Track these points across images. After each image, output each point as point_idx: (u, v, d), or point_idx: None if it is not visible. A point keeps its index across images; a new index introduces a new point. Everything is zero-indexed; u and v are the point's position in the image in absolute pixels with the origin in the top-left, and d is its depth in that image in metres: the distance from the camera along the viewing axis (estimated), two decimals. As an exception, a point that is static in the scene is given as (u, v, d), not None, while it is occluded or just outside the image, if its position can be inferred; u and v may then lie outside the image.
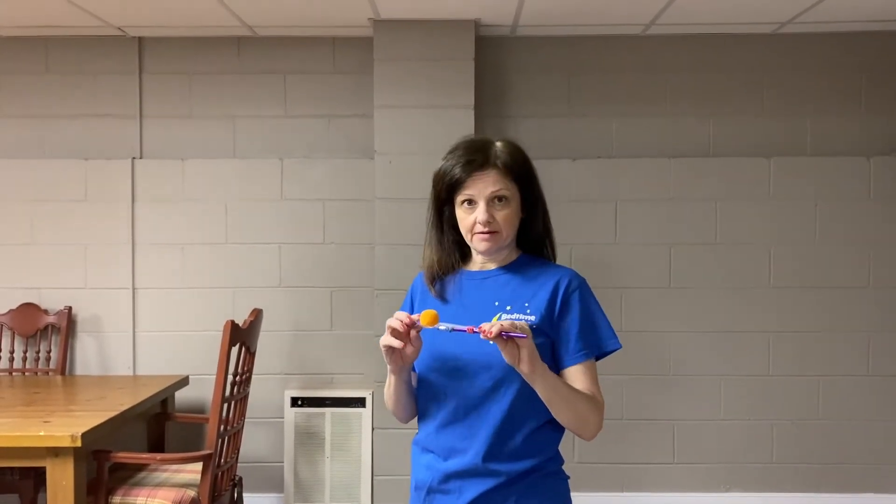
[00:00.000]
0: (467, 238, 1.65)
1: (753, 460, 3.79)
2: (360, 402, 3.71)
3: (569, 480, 1.69)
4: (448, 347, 1.60)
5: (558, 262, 1.73)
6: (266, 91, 3.91)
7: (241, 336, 3.06)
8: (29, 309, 3.82)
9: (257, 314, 3.26)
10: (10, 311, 3.82)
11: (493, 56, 3.86)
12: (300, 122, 3.92)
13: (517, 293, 1.63)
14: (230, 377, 3.02)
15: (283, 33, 3.85)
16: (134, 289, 3.87)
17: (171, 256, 3.87)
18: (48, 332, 3.84)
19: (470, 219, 1.61)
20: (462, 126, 3.52)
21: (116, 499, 2.85)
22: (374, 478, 3.68)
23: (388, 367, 1.60)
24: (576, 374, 1.59)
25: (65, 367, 3.80)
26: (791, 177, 3.78)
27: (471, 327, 1.44)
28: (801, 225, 3.78)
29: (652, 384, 3.79)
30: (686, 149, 3.85)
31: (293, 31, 3.82)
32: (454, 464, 1.60)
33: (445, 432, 1.62)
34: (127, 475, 3.05)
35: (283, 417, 3.75)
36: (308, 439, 3.72)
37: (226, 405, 3.00)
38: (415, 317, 1.51)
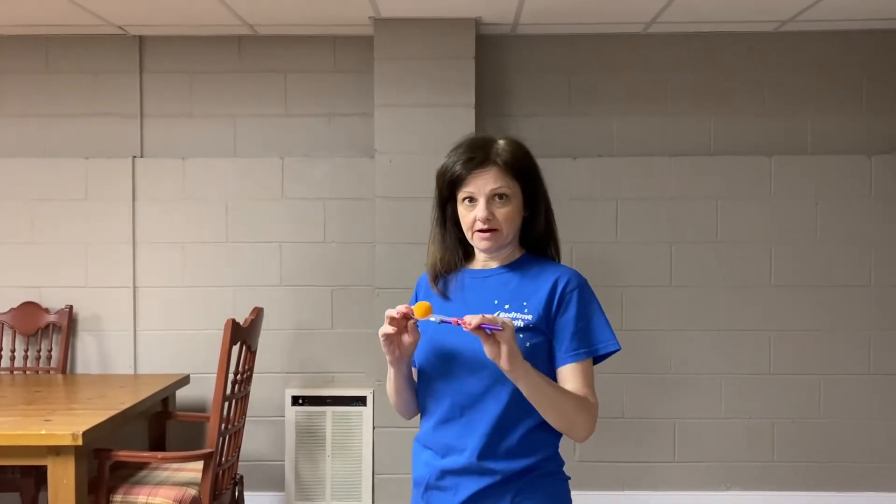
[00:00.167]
0: (468, 235, 1.65)
1: (754, 459, 3.78)
2: (360, 400, 3.71)
3: (569, 481, 1.68)
4: (447, 341, 1.61)
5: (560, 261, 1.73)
6: (267, 90, 3.91)
7: (242, 335, 3.06)
8: (30, 308, 3.82)
9: (258, 313, 3.27)
10: (11, 309, 3.82)
11: (493, 55, 3.85)
12: (301, 121, 3.92)
13: (517, 292, 1.63)
14: (231, 376, 3.02)
15: (284, 32, 3.85)
16: (135, 288, 3.87)
17: (172, 255, 3.87)
18: (49, 331, 3.85)
19: (470, 216, 1.62)
20: (462, 125, 3.52)
21: (117, 497, 2.85)
22: (375, 476, 3.68)
23: (387, 358, 1.62)
24: (569, 374, 1.59)
25: (66, 365, 3.80)
26: (792, 175, 3.78)
27: (456, 319, 1.45)
28: (802, 224, 3.78)
29: (652, 383, 3.79)
30: (687, 147, 3.85)
31: (294, 30, 3.82)
32: (450, 461, 1.61)
33: (442, 429, 1.63)
34: (128, 474, 3.05)
35: (283, 416, 3.76)
36: (309, 438, 3.73)
37: (227, 404, 3.00)
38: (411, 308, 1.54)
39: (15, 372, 3.78)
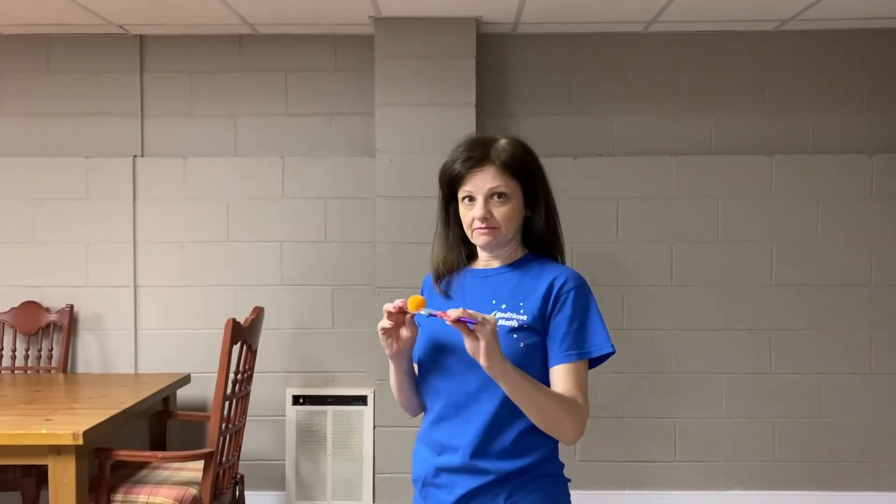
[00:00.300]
0: (469, 234, 1.66)
1: (755, 458, 3.78)
2: (361, 399, 3.71)
3: (569, 483, 1.67)
4: (445, 336, 1.60)
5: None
6: (267, 89, 3.91)
7: (243, 334, 3.06)
8: (30, 307, 3.82)
9: (259, 312, 3.27)
10: (12, 309, 3.82)
11: (494, 54, 3.85)
12: (301, 121, 3.92)
13: (515, 292, 1.63)
14: (232, 375, 3.02)
15: (285, 31, 3.85)
16: (135, 287, 3.87)
17: (173, 255, 3.87)
18: (50, 331, 3.85)
19: (469, 215, 1.62)
20: (463, 124, 3.52)
21: (118, 497, 2.85)
22: (376, 475, 3.68)
23: (386, 352, 1.63)
24: (560, 375, 1.57)
25: (66, 365, 3.80)
26: (793, 175, 3.78)
27: (441, 312, 1.46)
28: (802, 223, 3.78)
29: (653, 382, 3.79)
30: (688, 147, 3.85)
31: (294, 29, 3.82)
32: (445, 460, 1.62)
33: (438, 427, 1.64)
34: (129, 473, 3.05)
35: (284, 415, 3.76)
36: (309, 437, 3.73)
37: (227, 403, 3.00)
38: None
39: (16, 371, 3.78)
